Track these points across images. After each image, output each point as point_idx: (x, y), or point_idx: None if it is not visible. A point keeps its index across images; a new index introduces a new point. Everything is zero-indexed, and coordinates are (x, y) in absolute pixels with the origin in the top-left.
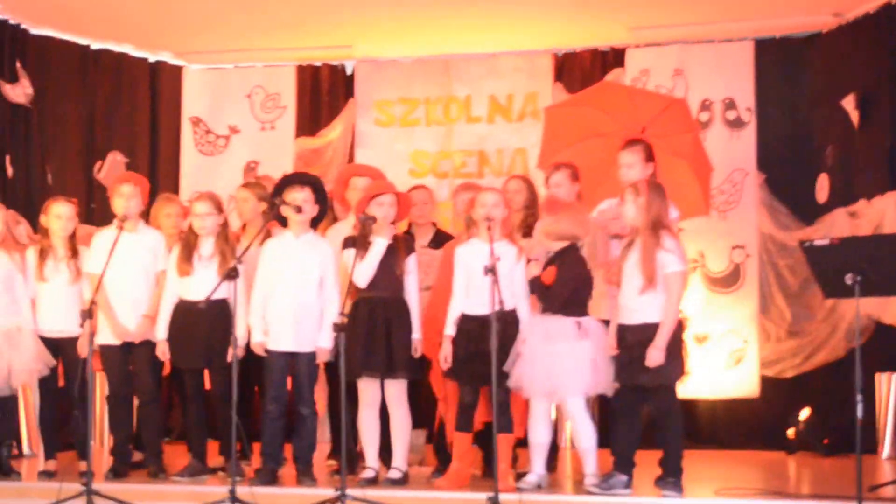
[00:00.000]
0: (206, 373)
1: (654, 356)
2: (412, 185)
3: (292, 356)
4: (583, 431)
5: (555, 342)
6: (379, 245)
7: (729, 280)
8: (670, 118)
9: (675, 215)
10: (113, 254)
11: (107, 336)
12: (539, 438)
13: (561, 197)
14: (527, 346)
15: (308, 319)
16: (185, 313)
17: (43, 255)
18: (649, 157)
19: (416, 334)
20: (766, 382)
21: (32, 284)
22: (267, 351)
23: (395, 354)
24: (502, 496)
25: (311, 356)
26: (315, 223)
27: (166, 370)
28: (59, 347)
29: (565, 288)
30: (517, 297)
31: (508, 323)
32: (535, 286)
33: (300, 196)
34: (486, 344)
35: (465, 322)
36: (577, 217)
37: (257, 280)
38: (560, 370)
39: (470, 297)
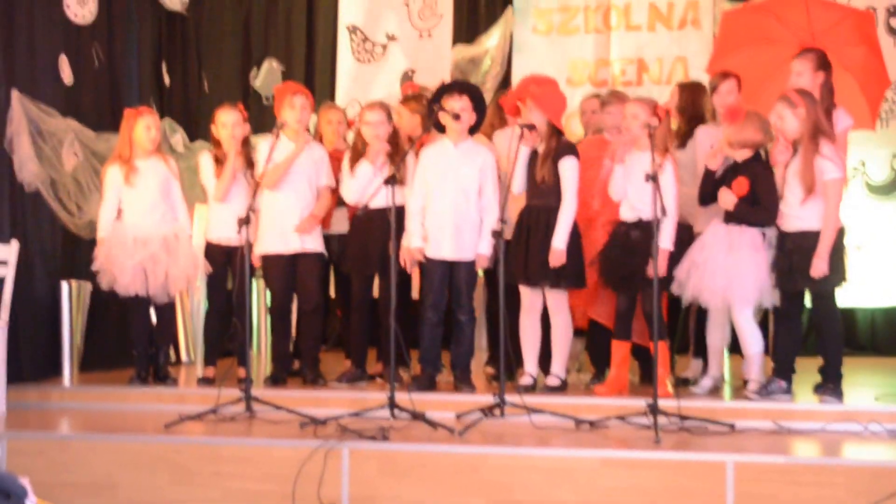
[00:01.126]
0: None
1: (819, 266)
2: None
3: (451, 263)
4: (752, 338)
5: (738, 252)
6: (522, 153)
7: (889, 188)
8: (845, 30)
9: (850, 122)
10: (272, 161)
11: (273, 244)
12: (717, 344)
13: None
14: (708, 256)
15: (467, 227)
16: (356, 220)
17: (218, 163)
18: (819, 66)
19: (557, 244)
20: None
21: (210, 191)
22: (426, 258)
23: (545, 264)
24: (661, 402)
25: (471, 263)
26: (472, 131)
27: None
28: (230, 255)
29: (769, 200)
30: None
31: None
32: (736, 206)
33: (458, 104)
34: (640, 251)
35: (619, 228)
36: (760, 123)
37: (415, 188)
38: (738, 279)
39: (624, 203)
